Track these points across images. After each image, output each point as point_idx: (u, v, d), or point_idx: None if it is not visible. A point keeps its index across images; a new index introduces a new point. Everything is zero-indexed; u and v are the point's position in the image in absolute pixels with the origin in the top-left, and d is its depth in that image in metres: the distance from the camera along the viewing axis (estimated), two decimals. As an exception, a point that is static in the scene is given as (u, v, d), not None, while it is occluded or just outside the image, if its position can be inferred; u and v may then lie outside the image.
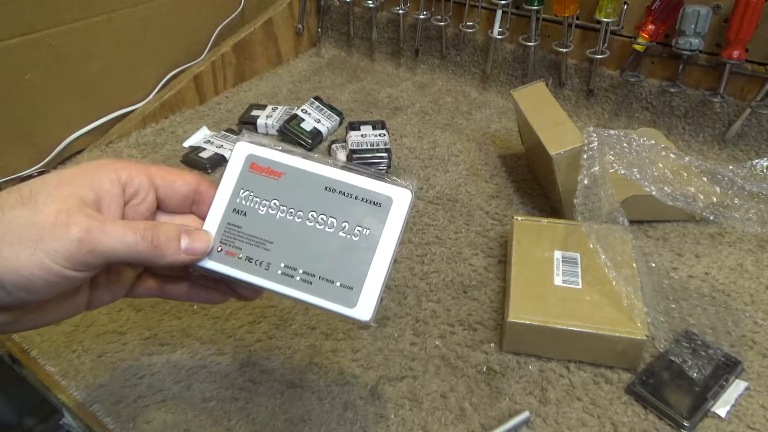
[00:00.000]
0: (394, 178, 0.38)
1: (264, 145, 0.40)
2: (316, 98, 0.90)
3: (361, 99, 0.97)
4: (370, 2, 1.00)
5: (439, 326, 0.57)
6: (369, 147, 0.77)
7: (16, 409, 0.53)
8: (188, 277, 0.42)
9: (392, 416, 0.49)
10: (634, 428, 0.47)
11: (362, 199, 0.38)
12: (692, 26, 0.74)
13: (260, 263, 0.39)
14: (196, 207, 0.40)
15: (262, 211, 0.39)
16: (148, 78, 0.96)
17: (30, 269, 0.31)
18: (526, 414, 0.48)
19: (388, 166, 0.78)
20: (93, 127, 0.88)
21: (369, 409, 0.49)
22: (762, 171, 0.67)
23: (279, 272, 0.38)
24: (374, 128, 0.81)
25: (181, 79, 0.95)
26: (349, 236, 0.38)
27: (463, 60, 0.99)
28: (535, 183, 0.76)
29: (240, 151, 0.41)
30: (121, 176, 0.37)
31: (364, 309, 0.37)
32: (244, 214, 0.39)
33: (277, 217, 0.39)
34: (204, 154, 0.81)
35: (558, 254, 0.57)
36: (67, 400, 0.51)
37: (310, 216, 0.39)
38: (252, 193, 0.40)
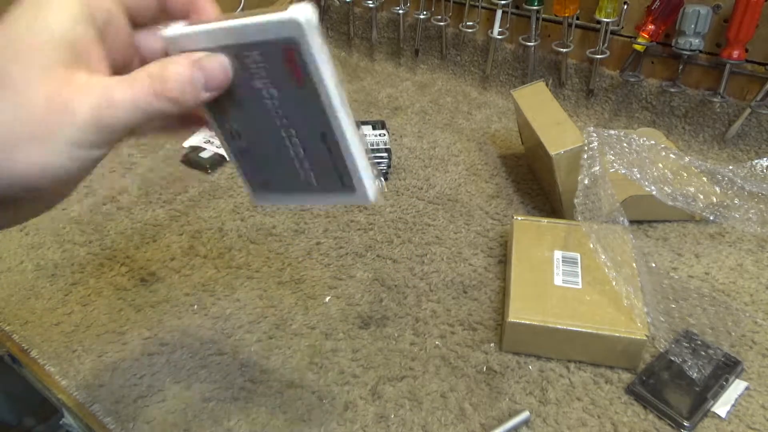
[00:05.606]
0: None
1: None
2: (316, 98, 0.90)
3: (361, 99, 0.97)
4: (370, 2, 1.00)
5: (439, 326, 0.57)
6: (369, 147, 0.77)
7: (16, 409, 0.53)
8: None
9: (392, 416, 0.49)
10: (634, 428, 0.47)
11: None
12: (692, 26, 0.74)
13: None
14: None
15: None
16: (148, 78, 0.95)
17: (33, 172, 0.27)
18: (526, 414, 0.48)
19: (388, 166, 0.78)
20: (93, 127, 0.88)
21: (369, 409, 0.49)
22: (762, 171, 0.67)
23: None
24: (374, 128, 0.81)
25: (181, 79, 0.95)
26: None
27: (463, 60, 0.99)
28: (535, 183, 0.76)
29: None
30: (84, 9, 0.28)
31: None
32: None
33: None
34: (204, 154, 0.81)
35: (558, 254, 0.57)
36: (67, 400, 0.51)
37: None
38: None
